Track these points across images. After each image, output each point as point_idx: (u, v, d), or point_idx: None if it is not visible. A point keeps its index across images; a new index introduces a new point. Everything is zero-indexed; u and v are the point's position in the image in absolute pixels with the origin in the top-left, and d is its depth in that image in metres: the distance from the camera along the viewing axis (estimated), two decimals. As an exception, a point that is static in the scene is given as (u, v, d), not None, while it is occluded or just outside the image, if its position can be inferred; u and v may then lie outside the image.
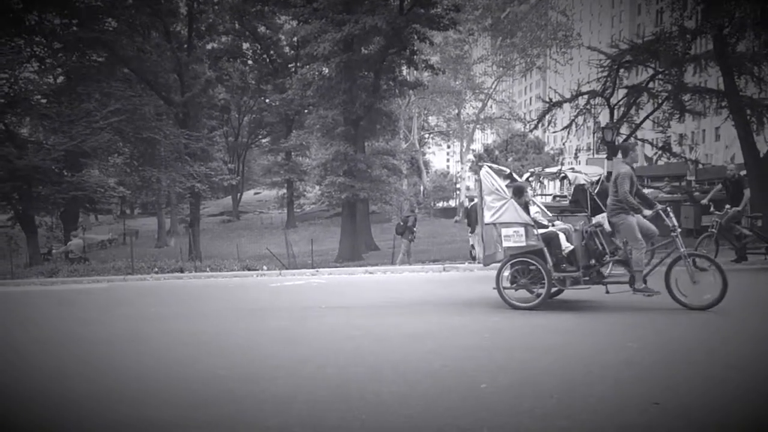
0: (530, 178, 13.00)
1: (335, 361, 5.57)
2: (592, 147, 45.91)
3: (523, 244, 8.00)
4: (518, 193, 8.47)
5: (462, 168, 62.30)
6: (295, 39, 35.54)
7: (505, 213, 8.12)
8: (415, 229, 17.56)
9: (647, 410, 3.99)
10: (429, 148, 68.81)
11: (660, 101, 20.37)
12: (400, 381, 4.86)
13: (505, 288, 8.14)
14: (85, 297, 12.18)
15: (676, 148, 24.02)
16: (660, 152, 23.17)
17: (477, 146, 72.38)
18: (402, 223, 17.40)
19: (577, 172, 12.04)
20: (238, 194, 65.22)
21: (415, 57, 25.36)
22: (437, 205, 67.90)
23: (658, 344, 5.92)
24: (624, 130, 21.35)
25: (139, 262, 17.15)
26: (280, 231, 44.03)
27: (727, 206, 12.34)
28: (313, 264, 17.93)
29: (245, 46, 49.61)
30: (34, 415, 4.44)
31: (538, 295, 7.96)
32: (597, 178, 11.96)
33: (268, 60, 49.21)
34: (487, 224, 8.39)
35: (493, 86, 53.19)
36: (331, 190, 25.40)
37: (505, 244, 8.12)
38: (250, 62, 50.53)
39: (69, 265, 17.96)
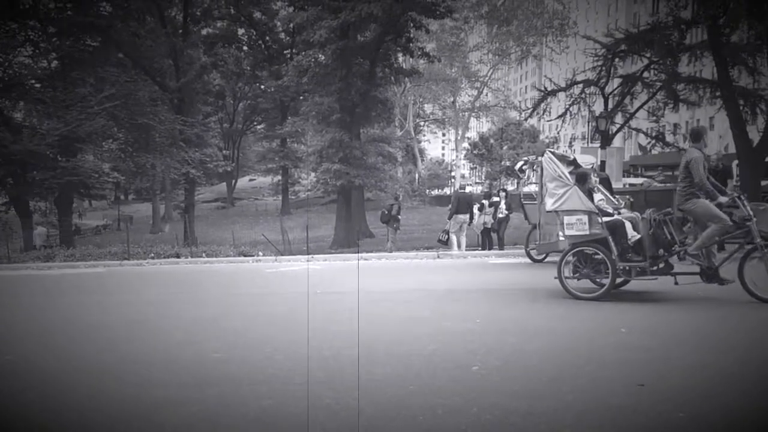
0: (524, 167, 13.13)
1: (330, 343, 5.68)
2: (586, 136, 46.03)
3: (587, 232, 7.69)
4: (582, 179, 8.21)
5: (457, 156, 62.33)
6: (290, 25, 35.43)
7: (568, 200, 7.82)
8: (399, 216, 17.64)
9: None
10: (424, 135, 68.91)
11: (654, 91, 20.49)
12: (394, 363, 4.99)
13: (566, 278, 7.83)
14: (82, 282, 12.26)
15: (669, 138, 24.19)
16: (654, 142, 23.31)
17: (472, 134, 72.37)
18: (386, 212, 17.47)
19: (570, 160, 12.19)
20: (233, 181, 65.17)
21: (411, 45, 25.38)
22: (432, 193, 68.02)
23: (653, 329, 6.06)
24: (618, 119, 21.47)
25: (135, 247, 17.22)
26: (274, 217, 44.10)
27: None
28: (308, 250, 18.04)
29: (240, 31, 49.40)
30: (34, 391, 4.55)
31: (602, 286, 7.69)
32: (590, 167, 12.10)
33: (263, 46, 49.03)
34: (548, 212, 8.14)
35: (489, 74, 53.18)
36: (326, 177, 25.52)
37: (568, 232, 7.87)
38: (245, 48, 50.36)
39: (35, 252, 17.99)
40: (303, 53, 26.37)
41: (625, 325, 6.16)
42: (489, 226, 16.10)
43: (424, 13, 24.09)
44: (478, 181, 72.62)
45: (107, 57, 28.40)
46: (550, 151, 8.40)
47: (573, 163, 8.77)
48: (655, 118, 21.62)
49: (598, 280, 7.86)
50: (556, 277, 7.85)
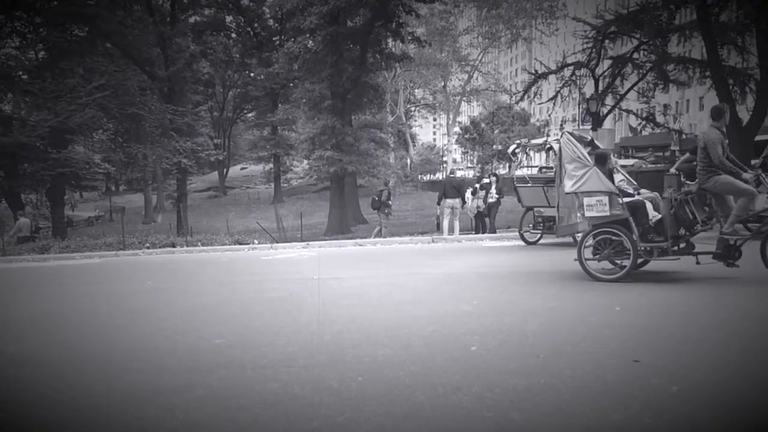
0: (517, 150, 13.23)
1: (330, 327, 5.78)
2: (577, 118, 46.11)
3: (607, 213, 7.61)
4: (602, 160, 8.12)
5: (449, 141, 62.34)
6: (280, 12, 35.24)
7: (587, 181, 7.71)
8: (389, 202, 17.73)
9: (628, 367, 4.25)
10: (415, 121, 68.76)
11: (644, 72, 20.59)
12: (394, 344, 5.09)
13: (587, 259, 7.79)
14: (79, 273, 12.29)
15: (660, 119, 24.31)
16: (644, 122, 23.44)
17: (463, 119, 72.37)
18: (377, 198, 17.54)
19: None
20: (225, 169, 64.97)
21: (401, 30, 25.32)
22: (424, 178, 68.06)
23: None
24: (609, 100, 21.58)
25: (130, 237, 17.23)
26: (267, 206, 44.09)
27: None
28: (303, 237, 18.11)
29: (228, 19, 49.02)
30: (41, 380, 4.63)
31: (623, 267, 7.64)
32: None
33: (252, 33, 48.69)
34: (567, 193, 8.06)
35: (479, 58, 53.09)
36: (319, 164, 25.53)
37: (588, 213, 7.76)
38: (233, 35, 50.00)
39: (17, 245, 17.92)
40: (293, 40, 26.27)
41: (619, 304, 6.28)
42: (481, 210, 16.21)
43: (414, -2, 24.08)
44: (470, 165, 72.72)
45: (95, 47, 28.26)
46: (569, 132, 8.31)
47: (590, 143, 8.66)
48: (645, 99, 21.74)
49: (617, 261, 7.82)
50: (576, 259, 7.80)
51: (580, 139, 8.42)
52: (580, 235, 11.28)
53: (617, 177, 8.30)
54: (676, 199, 7.55)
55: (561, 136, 8.30)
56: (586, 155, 7.89)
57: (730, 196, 7.57)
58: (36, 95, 24.76)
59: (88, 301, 8.37)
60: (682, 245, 7.57)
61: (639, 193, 8.13)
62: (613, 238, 7.62)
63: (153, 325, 6.47)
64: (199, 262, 12.98)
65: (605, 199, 7.58)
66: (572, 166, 7.88)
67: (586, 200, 7.73)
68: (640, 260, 7.79)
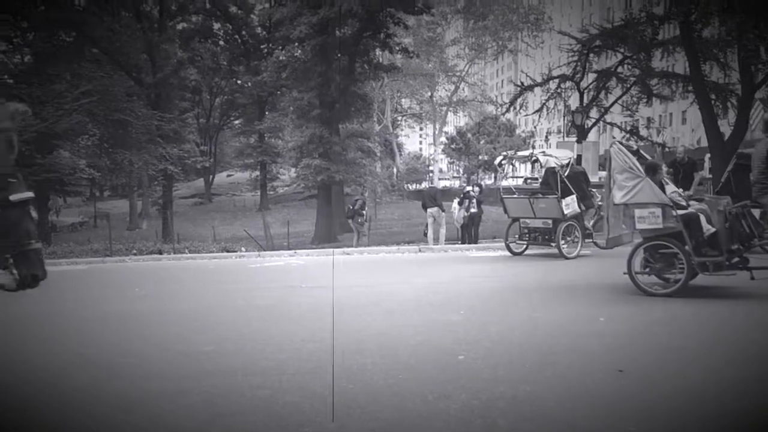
0: (503, 161, 13.38)
1: (320, 335, 5.84)
2: (562, 130, 46.57)
3: (660, 226, 7.30)
4: (653, 170, 7.77)
5: (435, 150, 62.60)
6: (269, 21, 35.37)
7: (639, 192, 7.40)
8: (363, 212, 17.94)
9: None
10: (402, 130, 68.93)
11: (628, 85, 20.92)
12: (383, 353, 5.16)
13: (637, 273, 7.50)
14: (65, 279, 12.22)
15: (644, 132, 24.68)
16: (628, 135, 23.75)
17: (450, 129, 72.69)
18: (351, 207, 17.81)
19: (548, 155, 12.45)
20: (211, 176, 64.75)
21: (389, 40, 25.53)
22: (410, 187, 68.21)
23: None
24: (593, 113, 21.88)
25: (116, 244, 17.16)
26: (253, 213, 44.01)
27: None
28: (290, 246, 18.14)
29: (216, 26, 49.09)
30: (31, 385, 4.64)
31: (676, 281, 7.32)
32: (567, 161, 12.38)
33: (239, 41, 48.78)
34: (616, 204, 7.79)
35: (466, 69, 53.44)
36: (306, 172, 25.62)
37: (639, 226, 7.47)
38: (221, 43, 50.08)
39: None
40: (282, 48, 26.36)
41: (603, 315, 6.41)
42: (465, 222, 16.38)
43: (403, 9, 24.27)
44: (455, 175, 72.98)
45: (82, 52, 28.16)
46: (619, 142, 8.08)
47: (636, 153, 8.29)
48: (629, 112, 22.07)
49: (666, 276, 7.56)
50: (625, 273, 7.51)
51: (628, 149, 8.10)
52: (567, 246, 11.62)
53: (668, 188, 7.98)
54: (731, 212, 7.33)
55: (610, 146, 8.04)
56: (638, 165, 7.60)
57: None
58: (22, 100, 24.56)
59: (75, 307, 8.35)
60: (735, 260, 7.33)
61: (689, 206, 7.83)
62: (665, 251, 7.40)
63: (143, 332, 6.48)
64: (187, 269, 12.98)
65: (658, 210, 7.31)
66: (623, 177, 7.61)
67: (637, 212, 7.45)
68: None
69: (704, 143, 23.48)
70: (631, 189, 7.48)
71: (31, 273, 3.49)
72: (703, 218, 7.40)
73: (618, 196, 7.65)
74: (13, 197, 3.42)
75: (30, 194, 3.52)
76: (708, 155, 17.31)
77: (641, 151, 8.44)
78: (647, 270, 7.59)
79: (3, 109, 3.57)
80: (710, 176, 16.02)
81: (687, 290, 7.26)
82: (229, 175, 75.04)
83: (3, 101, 3.64)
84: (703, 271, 7.30)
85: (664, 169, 8.61)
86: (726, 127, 19.09)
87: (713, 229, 7.30)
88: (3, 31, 25.78)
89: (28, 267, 3.49)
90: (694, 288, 7.47)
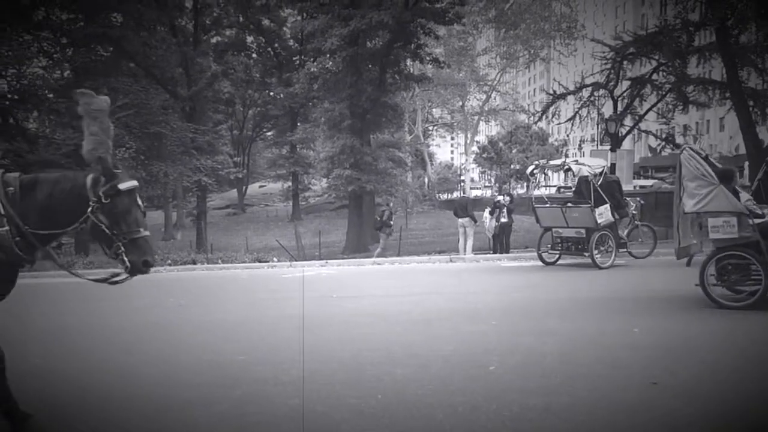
0: (535, 170, 13.27)
1: (350, 345, 5.86)
2: (596, 138, 46.04)
3: (735, 235, 6.95)
4: (728, 177, 7.29)
5: (467, 160, 62.40)
6: (301, 34, 35.77)
7: (712, 201, 7.05)
8: (391, 222, 17.92)
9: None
10: (433, 140, 68.93)
11: (663, 93, 20.59)
12: (412, 363, 5.15)
13: (711, 285, 7.16)
14: (101, 288, 12.45)
15: (679, 139, 24.24)
16: (663, 143, 23.40)
17: (481, 138, 72.41)
18: (378, 218, 17.76)
19: (581, 164, 12.32)
20: (244, 187, 65.45)
21: (420, 51, 25.59)
22: (442, 197, 68.04)
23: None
24: (628, 121, 21.59)
25: (151, 254, 17.43)
26: (285, 223, 44.36)
27: None
28: (321, 255, 18.23)
29: (249, 39, 49.77)
30: (66, 394, 4.74)
31: (751, 294, 7.00)
32: (600, 170, 12.23)
33: (272, 53, 49.34)
34: (687, 213, 7.50)
35: (497, 78, 53.25)
36: (338, 182, 25.76)
37: (713, 235, 7.13)
38: (254, 56, 50.71)
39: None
40: (312, 61, 26.61)
41: (638, 326, 6.29)
42: (496, 231, 16.28)
43: (434, 20, 24.32)
44: (487, 185, 72.57)
45: (119, 67, 28.80)
46: (690, 148, 7.70)
47: (705, 160, 7.84)
48: (664, 119, 21.71)
49: (739, 287, 7.26)
50: (697, 284, 7.20)
51: (698, 154, 7.70)
52: (601, 255, 11.44)
53: (743, 196, 7.46)
54: None
55: (681, 153, 7.70)
56: (711, 172, 7.20)
57: None
58: (61, 114, 25.25)
59: (110, 316, 8.49)
60: None
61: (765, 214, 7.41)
62: (740, 262, 7.06)
63: (176, 341, 6.58)
64: (221, 279, 13.13)
65: (733, 219, 6.97)
66: (694, 184, 7.26)
67: (711, 221, 7.12)
68: None
69: (743, 150, 22.97)
70: (703, 197, 7.14)
71: (142, 259, 3.56)
72: None
73: (689, 205, 7.33)
74: (121, 186, 3.55)
75: (135, 183, 3.64)
76: (747, 162, 16.95)
77: (710, 158, 8.02)
78: (722, 281, 7.20)
79: (101, 101, 3.70)
80: (749, 184, 15.66)
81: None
82: (261, 186, 75.78)
83: (92, 93, 3.77)
84: None
85: (738, 176, 8.21)
86: (765, 134, 18.69)
87: None
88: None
89: (139, 254, 3.59)
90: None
